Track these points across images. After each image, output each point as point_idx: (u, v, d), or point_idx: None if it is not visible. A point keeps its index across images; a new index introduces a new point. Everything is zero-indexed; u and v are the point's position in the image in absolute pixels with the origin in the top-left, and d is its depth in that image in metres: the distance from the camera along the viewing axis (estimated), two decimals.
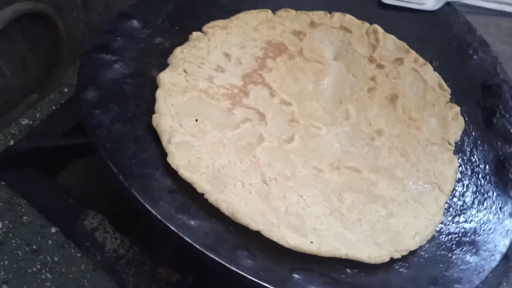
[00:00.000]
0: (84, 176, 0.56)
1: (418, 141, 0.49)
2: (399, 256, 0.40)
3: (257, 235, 0.37)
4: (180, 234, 0.34)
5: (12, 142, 0.50)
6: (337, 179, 0.44)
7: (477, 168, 0.49)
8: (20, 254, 0.45)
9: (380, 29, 0.57)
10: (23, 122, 0.52)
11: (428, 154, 0.48)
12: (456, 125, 0.51)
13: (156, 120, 0.43)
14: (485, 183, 0.48)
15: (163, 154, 0.40)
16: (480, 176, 0.49)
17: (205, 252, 0.33)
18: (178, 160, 0.40)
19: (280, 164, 0.44)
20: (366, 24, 0.58)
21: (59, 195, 0.48)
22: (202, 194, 0.38)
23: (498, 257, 0.43)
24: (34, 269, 0.44)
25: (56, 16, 0.56)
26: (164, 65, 0.50)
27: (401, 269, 0.40)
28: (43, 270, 0.44)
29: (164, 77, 0.47)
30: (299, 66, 0.54)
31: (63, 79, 0.59)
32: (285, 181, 0.42)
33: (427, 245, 0.43)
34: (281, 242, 0.37)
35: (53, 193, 0.48)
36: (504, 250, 0.43)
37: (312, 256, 0.38)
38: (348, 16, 0.58)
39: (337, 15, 0.58)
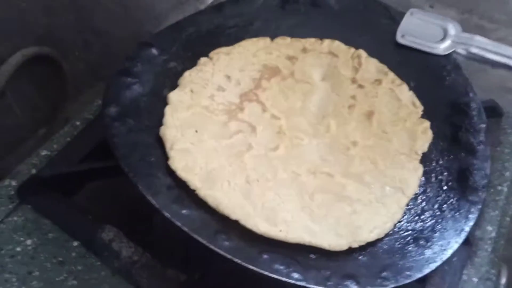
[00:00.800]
0: (100, 196, 0.62)
1: (388, 151, 0.57)
2: (357, 246, 0.48)
3: (236, 224, 0.46)
4: (172, 219, 0.43)
5: (34, 171, 0.57)
6: (312, 182, 0.53)
7: (441, 176, 0.56)
8: (49, 266, 0.50)
9: (363, 54, 0.65)
10: (42, 153, 0.59)
11: (395, 163, 0.56)
12: (424, 138, 0.58)
13: (162, 131, 0.53)
14: (447, 189, 0.55)
15: (166, 158, 0.50)
16: (443, 182, 0.55)
17: (190, 233, 0.43)
18: (177, 163, 0.50)
19: (263, 168, 0.53)
20: (352, 49, 0.66)
21: (78, 213, 0.54)
22: (194, 190, 0.48)
23: (449, 252, 0.49)
24: (62, 277, 0.50)
25: (60, 58, 0.62)
26: (175, 86, 0.60)
27: (359, 257, 0.48)
28: (69, 278, 0.50)
29: (173, 95, 0.57)
30: (290, 86, 0.63)
31: (68, 114, 0.64)
32: (266, 182, 0.51)
33: (386, 239, 0.50)
34: (254, 229, 0.46)
35: (74, 212, 0.55)
36: (456, 246, 0.50)
37: (280, 242, 0.46)
38: (337, 42, 0.67)
39: (326, 41, 0.67)
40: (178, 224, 0.43)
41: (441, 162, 0.57)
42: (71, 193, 0.58)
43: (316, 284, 0.43)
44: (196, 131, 0.54)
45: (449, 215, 0.53)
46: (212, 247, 0.42)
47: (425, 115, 0.60)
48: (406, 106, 0.61)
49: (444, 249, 0.49)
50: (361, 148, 0.57)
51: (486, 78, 0.66)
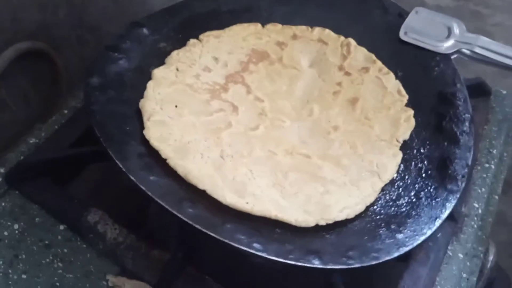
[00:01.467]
0: (92, 183, 0.63)
1: (369, 137, 0.56)
2: (324, 223, 0.47)
3: (203, 193, 0.47)
4: (138, 183, 0.44)
5: (22, 158, 0.58)
6: (288, 161, 0.53)
7: (421, 164, 0.55)
8: (35, 249, 0.51)
9: (353, 42, 0.65)
10: (31, 141, 0.60)
11: (375, 148, 0.55)
12: (406, 126, 0.57)
13: (142, 103, 0.54)
14: (426, 176, 0.54)
15: (142, 129, 0.51)
16: (422, 170, 0.54)
17: (154, 198, 0.43)
18: (152, 132, 0.50)
19: (240, 145, 0.53)
20: (342, 38, 0.66)
21: (64, 198, 0.55)
22: (165, 160, 0.48)
23: (421, 238, 0.48)
24: (48, 260, 0.51)
25: (54, 53, 0.63)
26: (162, 64, 0.61)
27: (327, 235, 0.47)
28: (55, 260, 0.51)
29: (157, 72, 0.58)
30: (277, 71, 0.63)
31: (63, 109, 0.65)
32: (240, 158, 0.51)
33: (357, 221, 0.49)
34: (221, 199, 0.46)
35: (60, 196, 0.55)
36: (428, 233, 0.48)
37: (246, 215, 0.46)
38: (327, 30, 0.67)
39: (317, 29, 0.67)
40: (143, 188, 0.44)
41: (422, 150, 0.56)
42: (63, 181, 0.59)
43: (277, 256, 0.43)
44: (176, 106, 0.55)
45: (426, 202, 0.52)
46: (174, 212, 0.43)
47: (411, 104, 0.60)
48: (391, 94, 0.60)
49: (416, 235, 0.48)
50: (341, 133, 0.57)
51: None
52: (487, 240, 0.57)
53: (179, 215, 0.42)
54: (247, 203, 0.46)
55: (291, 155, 0.53)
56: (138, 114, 0.53)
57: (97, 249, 0.52)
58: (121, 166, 0.45)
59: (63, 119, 0.63)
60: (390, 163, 0.54)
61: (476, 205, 0.58)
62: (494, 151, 0.63)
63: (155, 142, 0.49)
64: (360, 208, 0.50)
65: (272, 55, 0.64)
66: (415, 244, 0.48)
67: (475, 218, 0.57)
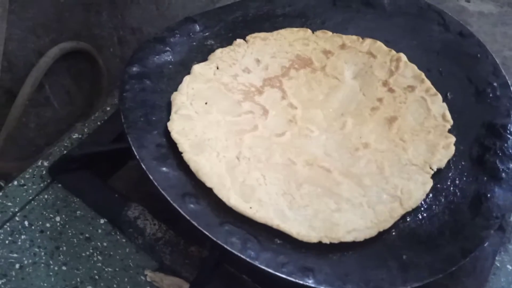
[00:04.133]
0: (131, 178, 0.63)
1: (399, 159, 0.53)
2: (328, 242, 0.45)
3: (210, 192, 0.47)
4: (146, 171, 0.45)
5: (64, 153, 0.60)
6: (306, 173, 0.51)
7: (452, 197, 0.51)
8: (76, 241, 0.52)
9: (403, 58, 0.62)
10: (74, 136, 0.62)
11: (403, 173, 0.52)
12: (444, 153, 0.53)
13: (173, 95, 0.55)
14: (455, 210, 0.50)
15: (168, 120, 0.53)
16: (452, 204, 0.50)
17: (159, 188, 0.44)
18: (175, 125, 0.51)
19: (260, 149, 0.52)
20: (393, 52, 0.63)
21: (106, 192, 0.56)
22: (181, 153, 0.49)
23: (432, 278, 0.44)
24: (88, 252, 0.52)
25: (96, 53, 0.65)
26: (205, 61, 0.62)
27: (330, 255, 0.45)
28: (95, 253, 0.52)
29: (197, 67, 0.60)
30: (318, 79, 0.61)
31: (103, 108, 0.66)
32: (256, 163, 0.51)
33: (367, 245, 0.47)
34: (224, 199, 0.46)
35: (101, 190, 0.56)
36: (442, 273, 0.45)
37: (249, 220, 0.46)
38: (378, 43, 0.64)
39: (368, 41, 0.64)
40: (151, 177, 0.45)
41: (457, 182, 0.52)
42: (104, 176, 0.60)
43: (267, 267, 0.42)
44: (206, 103, 0.56)
45: (449, 239, 0.48)
46: (175, 205, 0.43)
47: (455, 130, 0.56)
48: (434, 117, 0.56)
49: (429, 272, 0.45)
50: (371, 151, 0.54)
51: None
52: None
53: (178, 209, 0.43)
54: (251, 207, 0.46)
55: (311, 166, 0.52)
56: (169, 106, 0.55)
57: (136, 244, 0.53)
58: (135, 152, 0.46)
59: (106, 116, 0.65)
60: (417, 191, 0.50)
61: None
62: None
63: (175, 135, 0.50)
64: (371, 232, 0.47)
65: (315, 63, 0.63)
66: (424, 281, 0.44)
67: None
